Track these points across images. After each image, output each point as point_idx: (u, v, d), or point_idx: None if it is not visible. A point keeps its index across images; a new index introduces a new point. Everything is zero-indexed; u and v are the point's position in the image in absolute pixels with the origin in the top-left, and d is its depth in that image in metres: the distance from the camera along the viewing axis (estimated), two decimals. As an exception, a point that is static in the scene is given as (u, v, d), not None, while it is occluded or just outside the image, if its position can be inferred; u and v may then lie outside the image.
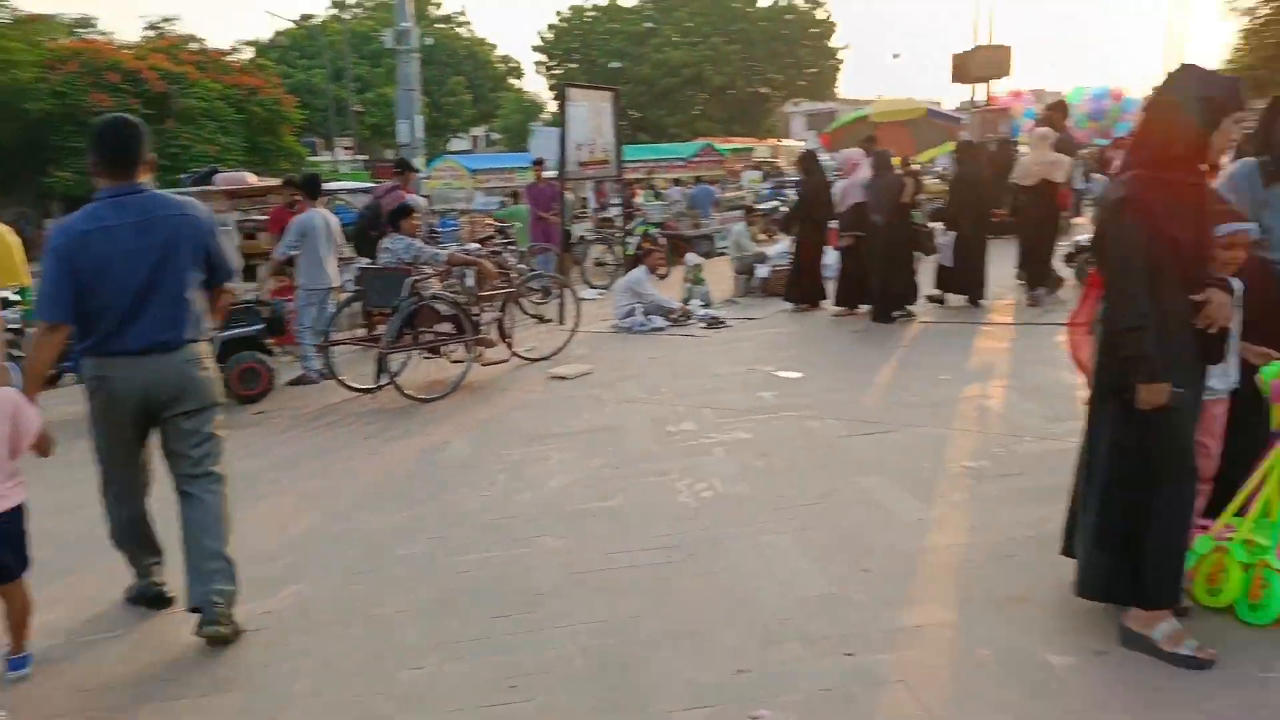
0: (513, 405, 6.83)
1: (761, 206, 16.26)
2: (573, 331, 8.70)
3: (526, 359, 8.16)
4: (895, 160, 9.81)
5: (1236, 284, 3.15)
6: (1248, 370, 3.20)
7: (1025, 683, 2.88)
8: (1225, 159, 3.60)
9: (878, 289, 8.98)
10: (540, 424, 6.21)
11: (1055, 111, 10.01)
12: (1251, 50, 17.97)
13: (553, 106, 42.33)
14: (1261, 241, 3.33)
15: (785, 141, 36.40)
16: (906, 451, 5.13)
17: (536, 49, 47.20)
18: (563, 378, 7.50)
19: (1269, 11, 18.14)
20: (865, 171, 9.14)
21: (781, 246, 11.24)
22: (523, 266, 9.72)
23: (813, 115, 48.27)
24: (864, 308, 9.16)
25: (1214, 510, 3.26)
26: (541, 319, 9.08)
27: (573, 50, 46.09)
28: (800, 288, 9.90)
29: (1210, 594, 3.18)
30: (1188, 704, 2.70)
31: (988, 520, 4.09)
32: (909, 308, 9.00)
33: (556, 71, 45.62)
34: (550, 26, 46.86)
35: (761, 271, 11.08)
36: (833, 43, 46.00)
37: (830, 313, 9.52)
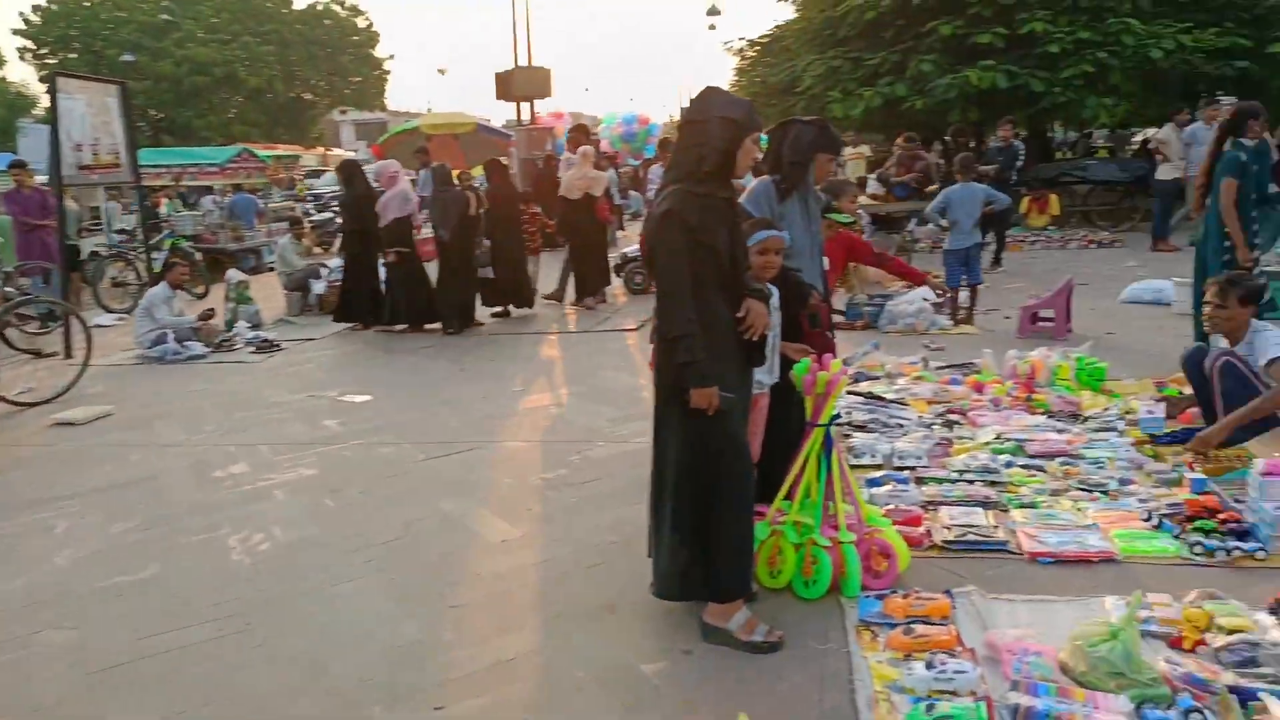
0: (1, 464, 5.45)
1: (314, 217, 15.26)
2: (84, 366, 7.25)
3: (19, 404, 6.61)
4: (454, 173, 9.67)
5: (773, 290, 3.42)
6: (787, 365, 3.50)
7: (623, 697, 2.82)
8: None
9: (446, 304, 8.83)
10: (41, 485, 5.01)
11: (579, 133, 10.66)
12: (742, 88, 20.99)
13: (48, 101, 35.93)
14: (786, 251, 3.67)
15: (335, 151, 34.89)
16: (486, 469, 4.97)
17: (19, 33, 39.71)
18: (71, 423, 6.18)
19: (753, 54, 21.32)
20: (404, 184, 8.93)
21: (340, 260, 10.56)
22: (10, 290, 7.97)
23: (362, 125, 46.84)
24: (431, 325, 8.93)
25: (762, 496, 3.52)
26: (40, 354, 7.48)
27: (70, 38, 39.52)
28: (351, 305, 9.30)
29: (772, 576, 3.41)
30: (765, 688, 2.83)
31: (571, 531, 4.05)
32: (480, 319, 9.00)
33: (50, 61, 38.77)
34: (36, 8, 39.71)
35: (318, 288, 10.30)
36: (377, 53, 45.12)
37: (395, 330, 9.10)
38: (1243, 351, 4.26)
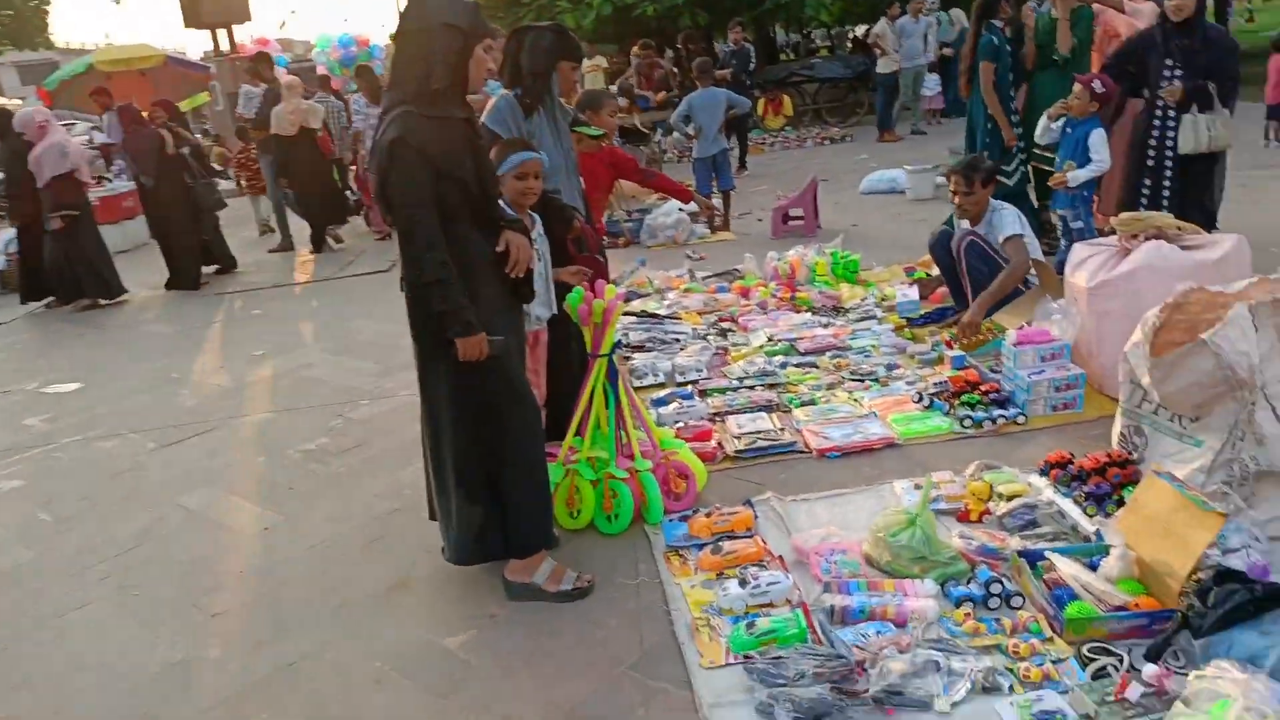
0: None
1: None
2: None
3: None
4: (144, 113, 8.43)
5: (535, 217, 3.13)
6: (564, 296, 3.25)
7: (430, 681, 2.55)
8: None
9: (171, 255, 7.99)
10: None
11: (261, 63, 9.64)
12: None
13: None
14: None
15: (-2, 100, 29.97)
16: (234, 450, 4.40)
17: None
18: None
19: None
20: (59, 135, 7.67)
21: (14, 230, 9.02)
22: None
23: (27, 67, 40.33)
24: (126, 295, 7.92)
25: (552, 436, 3.30)
26: None
27: None
28: (36, 280, 7.98)
29: (572, 517, 3.23)
30: (582, 637, 2.66)
31: (343, 506, 3.65)
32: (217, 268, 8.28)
33: None
34: None
35: (-6, 263, 8.77)
36: (33, -19, 38.76)
37: (99, 304, 7.89)
38: (983, 230, 4.51)
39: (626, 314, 5.31)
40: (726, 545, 2.94)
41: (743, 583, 2.70)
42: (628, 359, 4.69)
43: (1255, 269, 3.39)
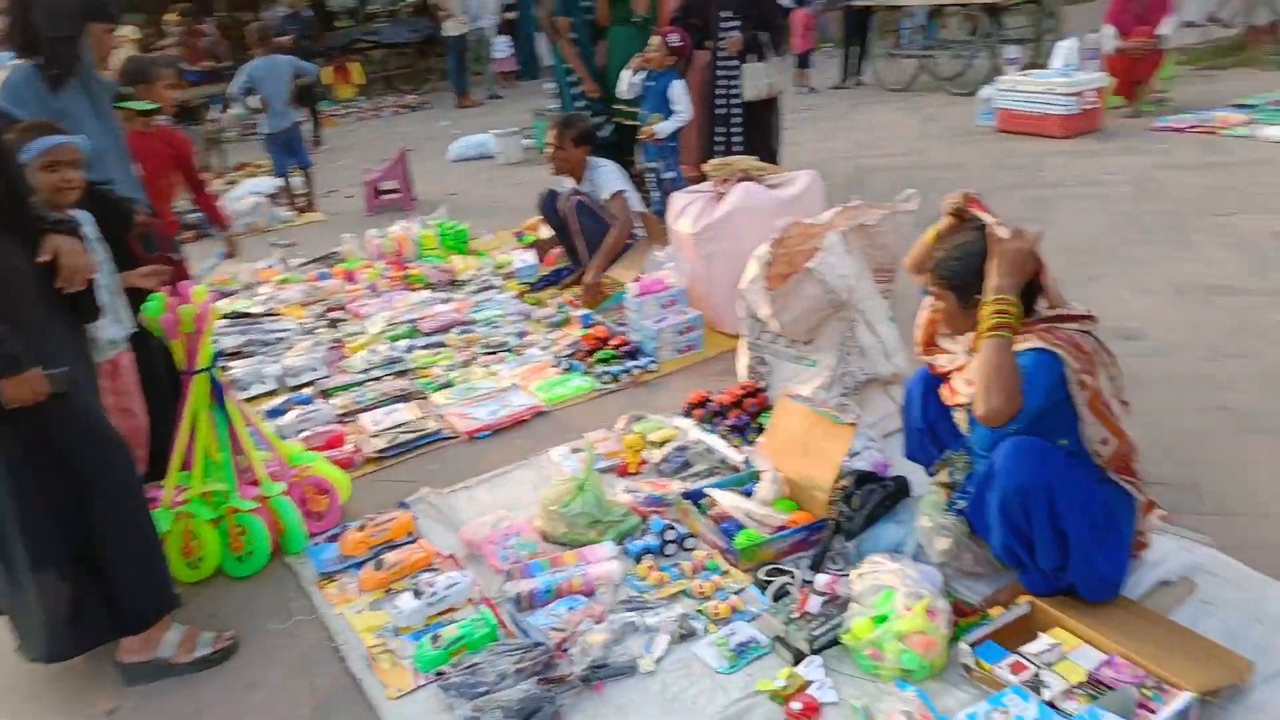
0: None
1: None
2: None
3: None
4: None
5: (84, 216, 2.54)
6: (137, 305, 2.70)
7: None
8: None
9: None
10: None
11: None
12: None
13: None
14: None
15: None
16: None
17: None
18: None
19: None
20: None
21: None
22: None
23: None
24: None
25: (151, 477, 2.76)
26: None
27: None
28: None
29: (193, 568, 2.72)
30: (237, 706, 2.27)
31: None
32: None
33: None
34: None
35: None
36: None
37: None
38: (586, 189, 4.56)
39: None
40: (389, 557, 2.67)
41: (417, 593, 2.46)
42: (225, 369, 4.09)
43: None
